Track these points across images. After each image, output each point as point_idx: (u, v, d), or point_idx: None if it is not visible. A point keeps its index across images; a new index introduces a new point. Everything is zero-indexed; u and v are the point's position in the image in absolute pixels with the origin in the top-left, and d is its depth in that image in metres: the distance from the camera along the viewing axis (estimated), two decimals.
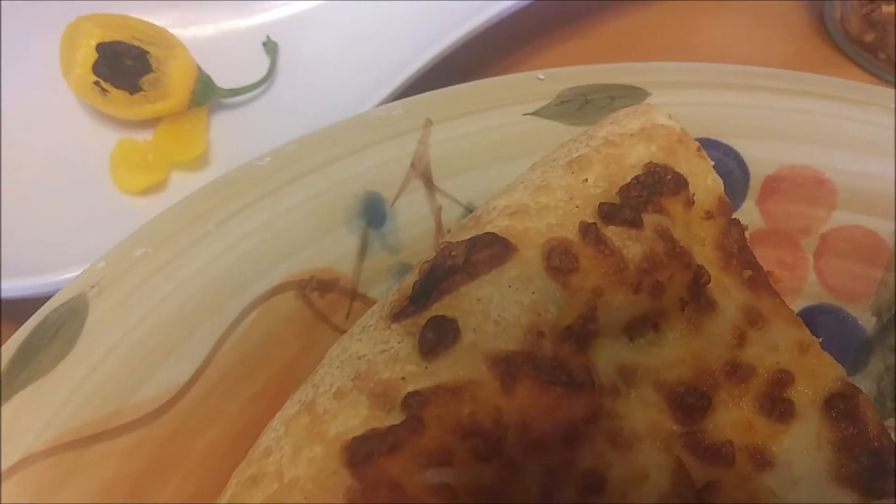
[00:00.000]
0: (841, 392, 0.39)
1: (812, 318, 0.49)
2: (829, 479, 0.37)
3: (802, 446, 0.38)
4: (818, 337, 0.42)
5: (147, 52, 0.68)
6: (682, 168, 0.44)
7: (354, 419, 0.35)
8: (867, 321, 0.49)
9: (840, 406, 0.39)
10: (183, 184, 0.68)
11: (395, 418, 0.35)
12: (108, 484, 0.40)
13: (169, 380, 0.43)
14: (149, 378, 0.43)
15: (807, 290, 0.50)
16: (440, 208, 0.50)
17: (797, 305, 0.49)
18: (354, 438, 0.34)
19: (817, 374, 0.40)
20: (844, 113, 0.51)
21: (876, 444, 0.38)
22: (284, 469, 0.35)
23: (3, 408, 0.40)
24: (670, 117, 0.46)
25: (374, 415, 0.35)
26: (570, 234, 0.40)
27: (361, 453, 0.34)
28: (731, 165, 0.50)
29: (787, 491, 0.37)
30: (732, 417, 0.39)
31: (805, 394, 0.40)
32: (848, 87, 0.52)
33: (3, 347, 0.42)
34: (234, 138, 0.72)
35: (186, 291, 0.45)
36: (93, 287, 0.44)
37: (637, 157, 0.44)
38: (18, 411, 0.40)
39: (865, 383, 0.47)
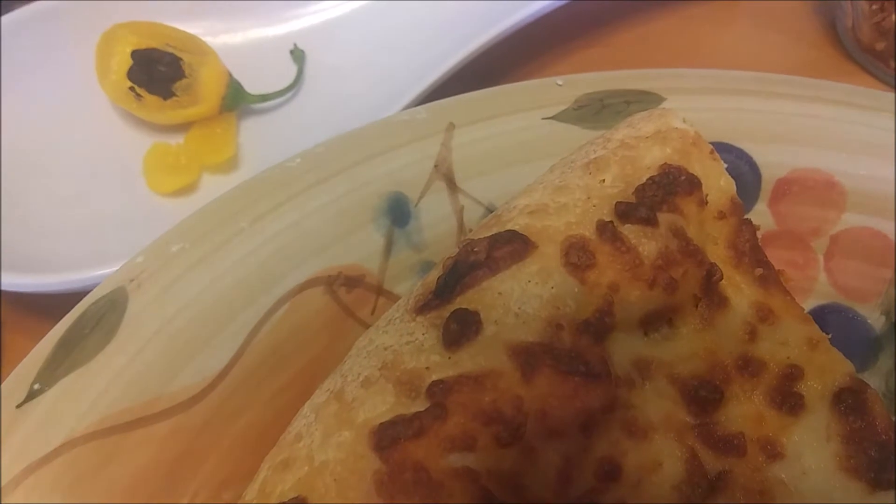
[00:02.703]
0: (850, 387, 0.40)
1: (822, 316, 0.49)
2: (838, 470, 0.38)
3: (812, 438, 0.39)
4: (828, 335, 0.42)
5: (180, 59, 0.69)
6: (696, 169, 0.44)
7: (381, 406, 0.36)
8: (876, 320, 0.49)
9: (849, 400, 0.40)
10: (213, 186, 0.69)
11: (420, 405, 0.36)
12: (146, 467, 0.41)
13: (204, 369, 0.44)
14: (185, 367, 0.44)
15: (817, 290, 0.50)
16: (462, 208, 0.51)
17: (808, 304, 0.49)
18: (382, 424, 0.35)
19: (827, 369, 0.41)
20: (854, 118, 0.51)
21: (884, 437, 0.39)
22: (315, 453, 0.36)
23: (46, 394, 0.41)
24: (684, 121, 0.47)
25: (400, 402, 0.36)
26: (588, 231, 0.41)
27: (388, 438, 0.35)
28: (743, 168, 0.51)
29: (796, 481, 0.38)
30: (744, 410, 0.40)
31: (814, 388, 0.40)
32: (858, 93, 0.52)
33: (46, 337, 0.43)
34: (262, 142, 0.73)
35: (221, 285, 0.46)
36: (132, 280, 0.45)
37: (652, 158, 0.44)
38: (61, 397, 0.41)
39: (874, 380, 0.47)
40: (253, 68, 0.74)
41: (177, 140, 0.72)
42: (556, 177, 0.45)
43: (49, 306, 0.57)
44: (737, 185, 0.46)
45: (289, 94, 0.76)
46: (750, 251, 0.44)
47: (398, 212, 0.50)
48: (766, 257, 0.45)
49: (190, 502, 0.42)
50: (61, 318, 0.44)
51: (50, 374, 0.42)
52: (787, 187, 0.51)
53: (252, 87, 0.74)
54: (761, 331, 0.42)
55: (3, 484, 0.39)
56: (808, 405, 0.40)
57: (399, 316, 0.41)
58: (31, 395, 0.41)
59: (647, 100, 0.53)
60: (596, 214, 0.42)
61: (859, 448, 0.38)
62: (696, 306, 0.42)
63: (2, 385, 0.42)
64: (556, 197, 0.43)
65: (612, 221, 0.41)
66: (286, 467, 0.37)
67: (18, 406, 0.41)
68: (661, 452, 0.38)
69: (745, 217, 0.46)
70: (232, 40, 0.77)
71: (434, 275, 0.42)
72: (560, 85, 0.54)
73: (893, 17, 0.70)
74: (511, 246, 0.40)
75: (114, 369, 0.43)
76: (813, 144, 0.51)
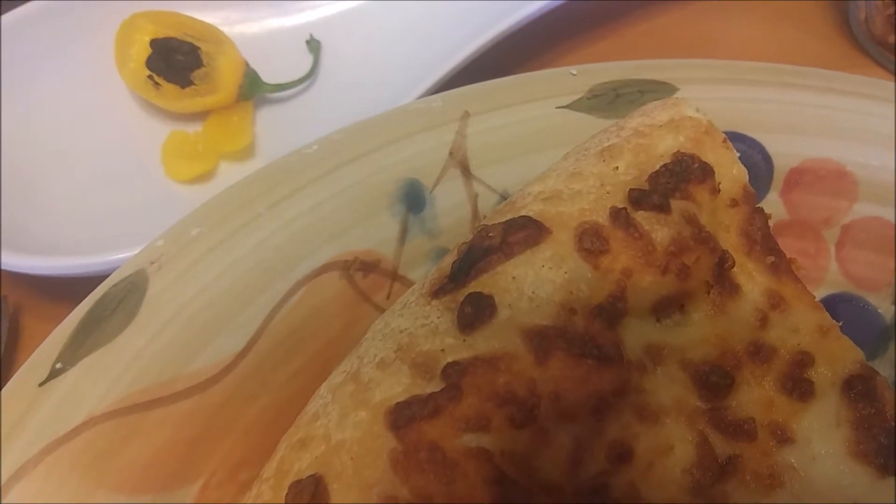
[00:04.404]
0: (860, 374, 0.40)
1: (833, 306, 0.49)
2: (847, 456, 0.39)
3: (822, 424, 0.39)
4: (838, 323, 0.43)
5: (198, 48, 0.70)
6: (709, 158, 0.44)
7: (397, 387, 0.37)
8: (886, 310, 0.50)
9: (859, 387, 0.40)
10: (230, 173, 0.70)
11: (435, 386, 0.36)
12: (165, 446, 0.42)
13: (222, 351, 0.45)
14: (204, 349, 0.44)
15: (828, 279, 0.51)
16: (477, 195, 0.51)
17: (819, 293, 0.49)
18: (397, 404, 0.36)
19: (837, 356, 0.41)
20: (866, 109, 0.51)
21: (893, 423, 0.39)
22: (332, 432, 0.37)
23: (68, 373, 0.42)
24: (698, 110, 0.47)
25: (416, 383, 0.37)
26: (601, 218, 0.41)
27: (404, 417, 0.35)
28: (756, 158, 0.51)
29: (806, 465, 0.39)
30: (755, 395, 0.41)
31: (825, 375, 0.41)
32: (870, 84, 0.52)
33: (69, 318, 0.44)
34: (278, 131, 0.73)
35: (239, 269, 0.46)
36: (152, 263, 0.46)
37: (665, 146, 0.44)
38: (82, 376, 0.42)
39: (884, 369, 0.48)
40: (269, 58, 0.75)
41: (194, 128, 0.73)
42: (570, 164, 0.45)
43: (67, 291, 0.58)
44: (749, 174, 0.46)
45: (305, 84, 0.76)
46: (762, 239, 0.45)
47: (413, 198, 0.51)
48: (778, 245, 0.45)
49: (207, 481, 0.42)
50: (79, 302, 0.45)
51: (72, 353, 0.43)
52: (799, 177, 0.51)
53: (268, 76, 0.74)
54: (772, 318, 0.43)
55: (24, 462, 0.40)
56: (819, 391, 0.40)
57: (414, 300, 0.42)
58: (54, 374, 0.42)
59: (660, 89, 0.53)
60: (609, 201, 0.42)
61: (869, 434, 0.39)
62: (708, 293, 0.43)
63: (25, 363, 0.42)
64: (570, 184, 0.43)
65: (625, 208, 0.41)
66: (303, 446, 0.38)
67: (41, 384, 0.42)
68: (673, 436, 0.39)
69: (758, 206, 0.46)
70: (249, 30, 0.77)
71: (449, 260, 0.43)
72: (574, 74, 0.54)
73: None
74: (525, 231, 0.40)
75: (134, 350, 0.43)
76: (825, 135, 0.51)
